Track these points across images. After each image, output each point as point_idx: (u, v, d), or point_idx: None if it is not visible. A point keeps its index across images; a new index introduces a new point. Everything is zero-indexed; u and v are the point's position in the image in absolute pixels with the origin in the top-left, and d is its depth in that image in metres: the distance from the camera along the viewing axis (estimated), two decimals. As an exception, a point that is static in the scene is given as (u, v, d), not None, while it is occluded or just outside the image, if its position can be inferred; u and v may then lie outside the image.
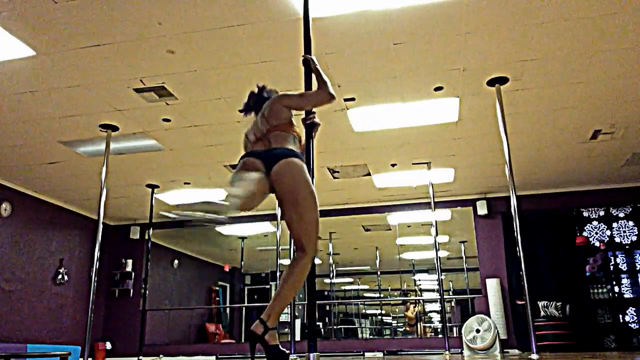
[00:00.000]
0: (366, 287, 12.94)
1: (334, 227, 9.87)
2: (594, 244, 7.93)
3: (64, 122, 5.57)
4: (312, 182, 2.48)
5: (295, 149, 2.53)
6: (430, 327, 11.72)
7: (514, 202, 4.92)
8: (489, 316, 7.55)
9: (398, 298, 12.03)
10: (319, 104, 2.67)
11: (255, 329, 2.26)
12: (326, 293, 11.96)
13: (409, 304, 11.28)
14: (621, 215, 8.01)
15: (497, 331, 7.31)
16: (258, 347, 2.30)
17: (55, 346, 6.54)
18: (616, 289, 7.73)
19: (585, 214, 8.10)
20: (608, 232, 7.97)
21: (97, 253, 5.65)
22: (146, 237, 8.76)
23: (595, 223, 8.05)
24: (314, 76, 2.75)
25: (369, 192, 8.14)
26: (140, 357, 7.74)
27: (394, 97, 5.20)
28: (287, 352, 2.30)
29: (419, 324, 11.11)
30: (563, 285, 7.72)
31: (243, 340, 11.82)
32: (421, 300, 11.61)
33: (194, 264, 11.77)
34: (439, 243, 7.15)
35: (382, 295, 12.08)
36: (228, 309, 12.64)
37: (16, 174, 7.03)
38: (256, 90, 2.95)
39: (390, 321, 12.41)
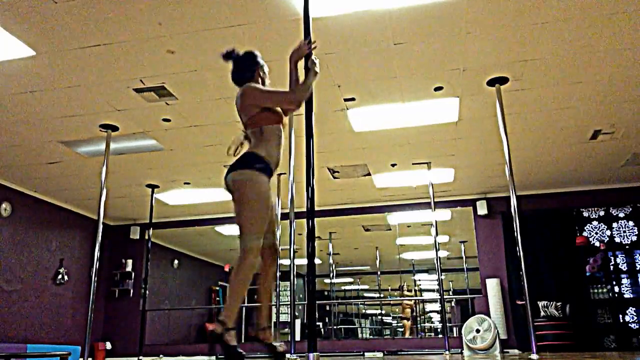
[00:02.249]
0: (366, 287, 12.94)
1: (334, 227, 9.87)
2: (594, 244, 7.93)
3: (64, 122, 5.58)
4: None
5: (259, 151, 2.65)
6: (429, 326, 11.72)
7: (514, 202, 4.92)
8: (489, 316, 7.55)
9: (398, 298, 12.03)
10: (284, 105, 2.75)
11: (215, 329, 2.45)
12: (326, 293, 11.97)
13: (405, 289, 11.17)
14: (621, 215, 8.01)
15: (497, 331, 7.31)
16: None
17: (55, 346, 6.54)
18: (616, 289, 7.73)
19: (585, 214, 8.10)
20: (608, 232, 7.97)
21: (97, 253, 5.65)
22: (146, 237, 8.76)
23: (595, 223, 8.05)
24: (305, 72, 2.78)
25: (369, 192, 8.14)
26: (140, 357, 7.74)
27: (394, 97, 5.20)
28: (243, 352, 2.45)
29: (413, 320, 11.04)
30: (563, 285, 7.72)
31: (243, 341, 11.82)
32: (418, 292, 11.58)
33: (194, 264, 11.78)
34: (439, 243, 7.15)
35: (382, 295, 12.08)
36: (228, 309, 12.63)
37: (16, 174, 7.03)
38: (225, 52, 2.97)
39: (390, 321, 12.41)
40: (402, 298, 11.20)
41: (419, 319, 11.39)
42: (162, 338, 9.88)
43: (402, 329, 11.71)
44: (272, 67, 4.62)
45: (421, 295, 12.05)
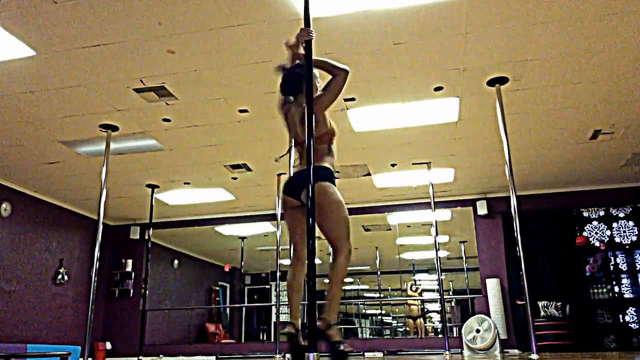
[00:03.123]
0: (366, 287, 12.93)
1: (334, 227, 9.84)
2: (594, 244, 7.93)
3: (64, 122, 5.57)
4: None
5: (329, 165, 3.04)
6: (430, 326, 11.71)
7: (514, 202, 4.91)
8: (489, 316, 7.55)
9: (398, 298, 12.03)
10: (341, 86, 2.88)
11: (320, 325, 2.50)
12: (326, 293, 11.94)
13: (412, 285, 11.08)
14: (621, 215, 8.00)
15: (497, 331, 7.31)
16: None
17: (55, 346, 6.54)
18: (616, 289, 7.72)
19: (585, 214, 8.10)
20: (608, 232, 7.97)
21: (97, 253, 5.65)
22: (146, 237, 8.76)
23: (595, 223, 8.04)
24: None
25: (369, 192, 8.14)
26: (140, 357, 7.74)
27: (394, 97, 5.20)
28: (349, 349, 2.51)
29: (420, 320, 11.00)
30: (563, 285, 7.72)
31: (243, 340, 11.83)
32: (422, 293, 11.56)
33: (194, 264, 11.77)
34: (439, 243, 7.15)
35: (382, 295, 12.08)
36: (228, 309, 12.64)
37: (16, 174, 7.03)
38: (287, 65, 2.99)
39: (390, 321, 12.40)
40: (407, 298, 11.18)
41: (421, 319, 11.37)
42: (162, 338, 9.88)
43: (404, 329, 11.69)
44: (272, 68, 4.62)
45: (421, 295, 12.04)
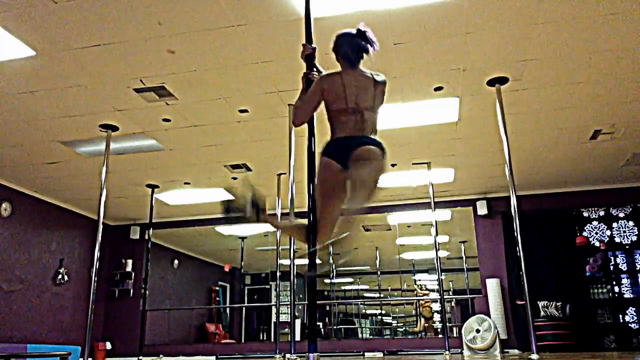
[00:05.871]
0: (366, 287, 12.93)
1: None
2: (594, 244, 7.93)
3: (64, 122, 5.57)
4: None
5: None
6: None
7: (514, 202, 4.91)
8: (489, 316, 7.55)
9: (398, 298, 12.03)
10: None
11: None
12: (326, 293, 11.96)
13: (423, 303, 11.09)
14: (621, 215, 8.00)
15: (497, 331, 7.31)
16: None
17: (55, 346, 6.54)
18: (616, 289, 7.73)
19: (585, 214, 8.10)
20: (608, 232, 7.97)
21: (97, 253, 5.65)
22: (146, 237, 8.76)
23: (595, 223, 8.04)
24: None
25: (369, 192, 8.12)
26: (140, 357, 7.74)
27: (394, 97, 5.20)
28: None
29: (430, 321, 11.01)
30: (563, 285, 7.71)
31: (243, 340, 11.83)
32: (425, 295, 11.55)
33: (194, 264, 11.77)
34: (439, 243, 7.15)
35: (382, 295, 12.08)
36: (228, 309, 12.64)
37: (16, 174, 7.03)
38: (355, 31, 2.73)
39: (390, 321, 12.40)
40: (408, 298, 11.16)
41: (418, 318, 11.37)
42: (162, 338, 9.88)
43: (402, 328, 11.67)
44: (272, 67, 4.63)
45: (421, 295, 12.04)
